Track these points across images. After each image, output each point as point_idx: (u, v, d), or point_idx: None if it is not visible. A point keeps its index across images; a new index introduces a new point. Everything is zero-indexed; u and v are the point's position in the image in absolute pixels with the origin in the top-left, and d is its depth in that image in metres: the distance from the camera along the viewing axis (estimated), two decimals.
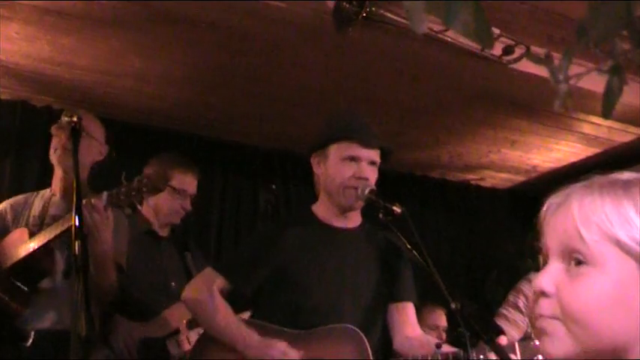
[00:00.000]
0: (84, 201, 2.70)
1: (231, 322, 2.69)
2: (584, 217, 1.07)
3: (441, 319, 4.81)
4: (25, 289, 3.04)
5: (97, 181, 3.35)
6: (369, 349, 2.56)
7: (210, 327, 2.77)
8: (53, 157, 3.25)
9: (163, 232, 3.86)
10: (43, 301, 3.06)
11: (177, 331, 3.43)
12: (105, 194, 2.79)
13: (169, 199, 3.78)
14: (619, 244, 1.03)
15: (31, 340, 3.02)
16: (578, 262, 1.07)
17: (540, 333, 1.10)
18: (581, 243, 1.06)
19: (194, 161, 4.04)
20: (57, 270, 3.09)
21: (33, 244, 2.97)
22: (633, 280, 1.02)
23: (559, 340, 1.07)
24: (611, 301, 1.03)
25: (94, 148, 3.32)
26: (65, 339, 3.09)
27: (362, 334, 2.58)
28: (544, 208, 1.17)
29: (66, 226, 2.86)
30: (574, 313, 1.06)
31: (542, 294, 1.10)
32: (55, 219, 3.13)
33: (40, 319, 3.06)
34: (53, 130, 3.23)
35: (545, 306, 1.09)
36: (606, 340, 1.03)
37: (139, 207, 2.79)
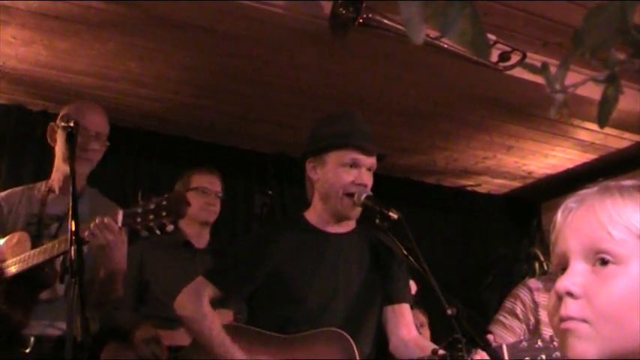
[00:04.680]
0: (97, 219, 2.66)
1: (216, 336, 2.67)
2: (609, 217, 1.09)
3: (416, 317, 4.85)
4: (28, 299, 2.99)
5: (90, 182, 3.31)
6: (356, 352, 2.56)
7: (199, 339, 2.77)
8: (65, 153, 3.08)
9: (200, 244, 3.94)
10: (42, 308, 3.04)
11: None
12: (120, 214, 2.68)
13: (194, 200, 3.84)
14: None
15: (30, 347, 2.99)
16: (604, 262, 1.08)
17: (568, 335, 1.09)
18: (610, 243, 1.08)
19: (191, 164, 4.10)
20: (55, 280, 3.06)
21: (37, 258, 2.86)
22: None
23: (591, 341, 1.07)
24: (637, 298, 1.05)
25: (102, 149, 3.26)
26: (63, 344, 3.08)
27: (349, 337, 2.57)
28: (559, 214, 1.18)
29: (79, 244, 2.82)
30: (609, 313, 1.06)
31: (570, 295, 1.09)
32: (54, 219, 3.09)
33: (39, 325, 3.02)
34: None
35: (574, 308, 1.09)
36: (638, 338, 1.04)
37: (159, 232, 2.67)
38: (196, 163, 4.30)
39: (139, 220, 2.61)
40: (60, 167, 3.19)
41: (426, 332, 4.88)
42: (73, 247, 2.35)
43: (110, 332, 3.63)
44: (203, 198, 3.93)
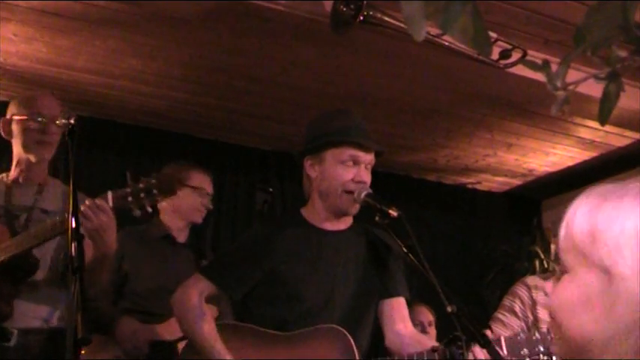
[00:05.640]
0: (87, 202, 2.64)
1: (209, 341, 2.66)
2: (565, 230, 1.15)
3: (424, 315, 4.88)
4: (11, 289, 2.99)
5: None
6: (355, 348, 2.55)
7: (190, 337, 2.76)
8: (26, 142, 3.13)
9: (181, 238, 3.90)
10: (26, 299, 3.03)
11: None
12: (110, 195, 2.66)
13: (189, 198, 3.83)
14: (584, 256, 1.11)
15: (14, 340, 2.99)
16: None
17: None
18: (562, 253, 1.15)
19: (191, 161, 4.08)
20: (40, 267, 3.04)
21: (16, 248, 2.84)
22: (596, 289, 1.09)
23: (556, 341, 1.17)
24: (577, 304, 1.11)
25: (60, 132, 3.14)
26: (49, 338, 3.07)
27: (347, 334, 2.57)
28: None
29: (57, 231, 2.76)
30: (551, 313, 1.17)
31: None
32: (22, 209, 3.09)
33: (23, 318, 3.00)
34: (34, 118, 3.10)
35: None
36: (575, 338, 1.11)
37: (151, 209, 2.65)
38: (198, 160, 4.28)
39: (130, 199, 2.60)
40: (22, 158, 3.18)
41: (433, 331, 4.90)
42: (73, 244, 2.34)
43: (92, 325, 3.61)
44: (200, 198, 3.86)
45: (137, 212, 2.62)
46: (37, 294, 3.04)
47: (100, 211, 2.66)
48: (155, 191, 2.58)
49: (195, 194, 3.85)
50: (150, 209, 2.60)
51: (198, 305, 2.72)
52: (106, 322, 3.52)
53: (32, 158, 3.15)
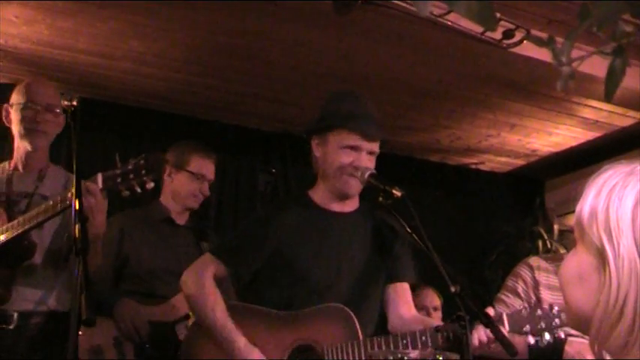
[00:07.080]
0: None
1: (220, 320, 2.67)
2: (579, 205, 1.18)
3: (429, 300, 4.87)
4: (8, 272, 3.00)
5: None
6: (358, 327, 2.56)
7: (201, 319, 2.77)
8: (20, 130, 3.17)
9: (181, 220, 3.89)
10: (25, 283, 3.05)
11: (187, 317, 3.44)
12: (100, 177, 2.69)
13: (187, 183, 3.82)
14: (583, 234, 1.15)
15: (14, 323, 3.01)
16: None
17: None
18: (574, 227, 1.20)
19: (193, 143, 4.06)
20: (38, 251, 3.05)
21: (14, 230, 2.88)
22: (589, 266, 1.14)
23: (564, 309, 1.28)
24: (574, 277, 1.17)
25: (57, 120, 3.22)
26: (48, 321, 3.09)
27: (351, 313, 2.58)
28: None
29: (50, 213, 2.80)
30: (560, 282, 1.23)
31: None
32: (22, 196, 3.12)
33: (21, 301, 3.03)
34: (28, 105, 3.15)
35: None
36: (572, 309, 1.18)
37: (140, 190, 2.67)
38: (200, 142, 4.26)
39: (119, 180, 2.63)
40: (20, 146, 3.23)
41: (438, 315, 4.89)
42: (77, 226, 2.35)
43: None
44: (198, 184, 3.83)
45: (125, 193, 2.64)
46: (35, 277, 3.06)
47: (89, 193, 2.68)
48: (143, 172, 2.60)
49: (193, 180, 3.82)
50: (139, 190, 2.62)
51: (212, 288, 2.73)
52: (104, 304, 3.53)
53: (28, 146, 3.19)
